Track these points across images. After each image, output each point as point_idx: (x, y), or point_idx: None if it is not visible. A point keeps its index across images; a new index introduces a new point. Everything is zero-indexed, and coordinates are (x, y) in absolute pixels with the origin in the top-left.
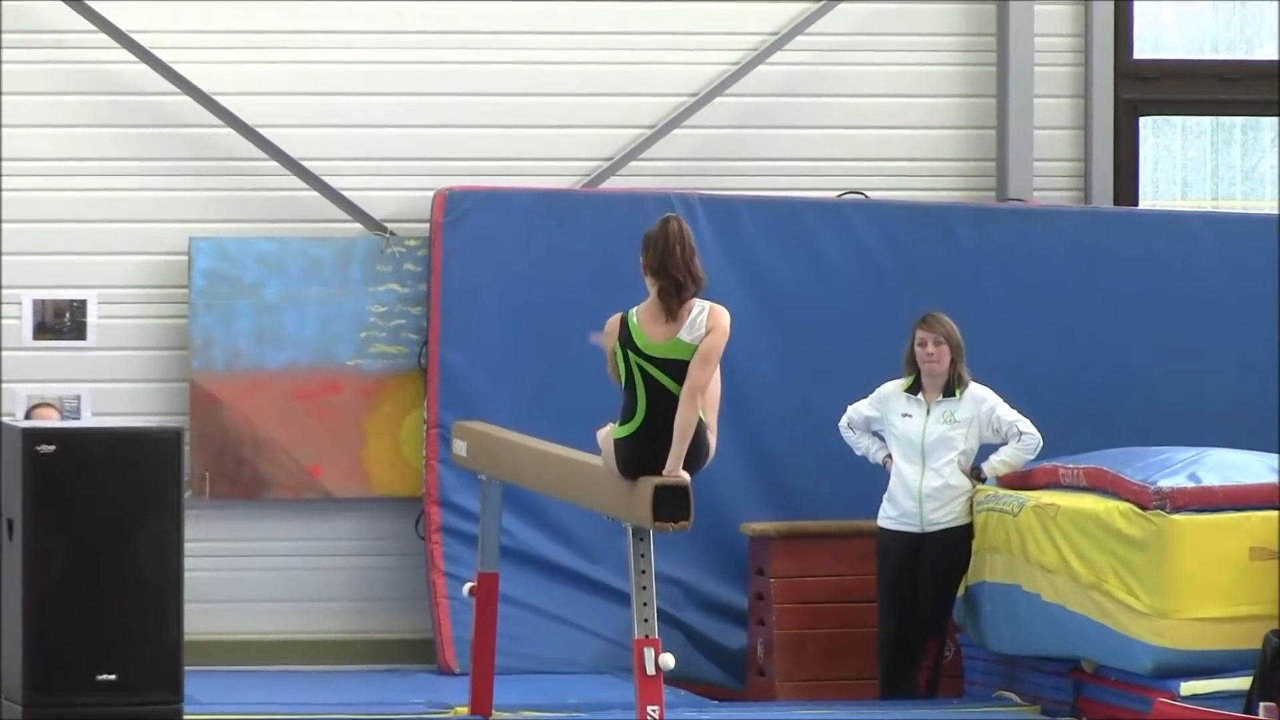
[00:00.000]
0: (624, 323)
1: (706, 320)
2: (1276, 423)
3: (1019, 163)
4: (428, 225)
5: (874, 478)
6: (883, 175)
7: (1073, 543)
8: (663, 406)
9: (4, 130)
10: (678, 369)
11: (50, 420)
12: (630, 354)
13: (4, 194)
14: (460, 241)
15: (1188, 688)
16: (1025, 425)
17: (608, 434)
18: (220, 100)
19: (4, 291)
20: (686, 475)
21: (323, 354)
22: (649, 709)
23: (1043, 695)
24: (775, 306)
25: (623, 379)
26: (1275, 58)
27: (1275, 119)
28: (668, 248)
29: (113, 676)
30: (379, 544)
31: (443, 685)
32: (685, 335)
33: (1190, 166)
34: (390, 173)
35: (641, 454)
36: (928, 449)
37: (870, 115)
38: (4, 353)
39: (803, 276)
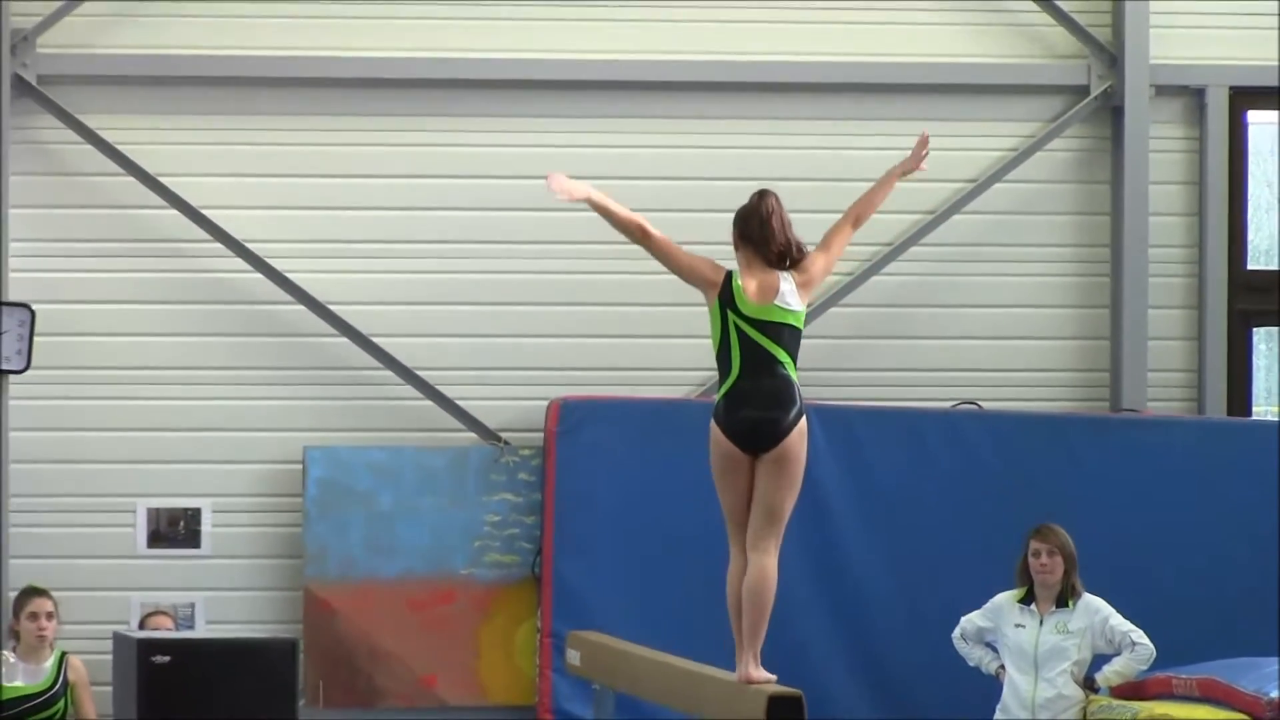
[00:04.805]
0: (728, 280)
1: (798, 278)
2: None
3: (1133, 373)
4: (542, 435)
5: (987, 687)
6: (997, 385)
7: None
8: (755, 361)
9: (120, 339)
10: (773, 330)
11: (165, 629)
12: (729, 313)
13: (119, 403)
14: (574, 451)
15: None
16: (1138, 635)
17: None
18: (335, 309)
19: (119, 500)
20: (799, 690)
21: (437, 563)
22: None
23: None
24: (889, 515)
25: (717, 340)
26: None
27: None
28: (766, 222)
29: None
30: None
31: None
32: (784, 301)
33: None
34: (504, 382)
35: (736, 406)
36: (1041, 659)
37: (984, 326)
38: (118, 561)
39: (917, 486)
